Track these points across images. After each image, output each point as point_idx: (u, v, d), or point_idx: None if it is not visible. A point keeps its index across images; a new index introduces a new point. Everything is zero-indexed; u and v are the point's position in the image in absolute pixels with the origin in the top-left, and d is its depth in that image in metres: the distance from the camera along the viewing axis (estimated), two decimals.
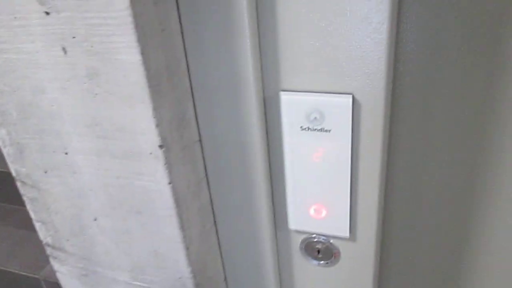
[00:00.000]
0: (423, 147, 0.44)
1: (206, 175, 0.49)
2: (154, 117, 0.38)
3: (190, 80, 0.44)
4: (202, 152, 0.48)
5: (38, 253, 1.54)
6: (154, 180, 0.42)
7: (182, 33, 0.42)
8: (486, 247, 0.47)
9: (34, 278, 1.45)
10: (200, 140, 0.47)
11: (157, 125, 0.39)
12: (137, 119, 0.39)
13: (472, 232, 0.47)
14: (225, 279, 0.58)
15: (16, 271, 1.48)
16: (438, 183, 0.46)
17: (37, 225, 0.55)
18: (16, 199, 1.78)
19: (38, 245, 1.64)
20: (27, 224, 1.70)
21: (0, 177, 1.77)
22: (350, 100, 0.40)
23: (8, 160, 0.50)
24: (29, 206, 0.54)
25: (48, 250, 0.57)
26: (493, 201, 0.44)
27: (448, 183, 0.45)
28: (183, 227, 0.45)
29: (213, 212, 0.52)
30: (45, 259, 1.57)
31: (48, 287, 1.46)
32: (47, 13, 0.37)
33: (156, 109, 0.38)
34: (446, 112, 0.41)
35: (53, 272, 1.59)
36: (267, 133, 0.45)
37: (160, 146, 0.40)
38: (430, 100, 0.41)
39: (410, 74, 0.41)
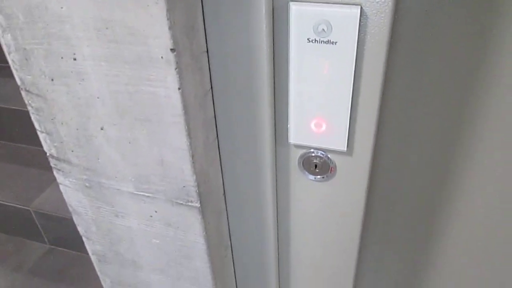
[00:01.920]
0: (420, 66, 0.46)
1: (211, 88, 0.51)
2: (168, 19, 0.39)
3: None
4: (209, 65, 0.49)
5: (28, 186, 1.55)
6: (164, 85, 0.44)
7: None
8: (473, 176, 0.51)
9: (24, 209, 1.48)
10: (207, 51, 0.48)
11: (170, 28, 0.40)
12: (151, 21, 0.40)
13: (460, 157, 0.50)
14: (224, 193, 0.61)
15: (7, 203, 1.51)
16: (432, 103, 0.48)
17: (41, 136, 0.56)
18: (4, 134, 1.77)
19: (28, 179, 1.65)
20: (17, 158, 1.71)
21: None
22: (358, 11, 0.41)
23: (13, 67, 0.51)
24: (33, 117, 0.55)
25: (52, 162, 0.59)
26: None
27: (443, 103, 0.48)
28: (189, 135, 0.47)
29: (216, 126, 0.54)
30: (35, 192, 1.59)
31: (38, 218, 1.49)
32: None
33: (170, 10, 0.39)
34: (447, 33, 0.43)
35: (43, 203, 1.62)
36: (273, 44, 0.47)
37: (172, 50, 0.41)
38: (433, 22, 0.43)
39: None
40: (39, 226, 1.53)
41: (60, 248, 1.58)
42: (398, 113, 0.50)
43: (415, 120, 0.50)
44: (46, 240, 1.59)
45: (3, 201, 1.52)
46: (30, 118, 0.55)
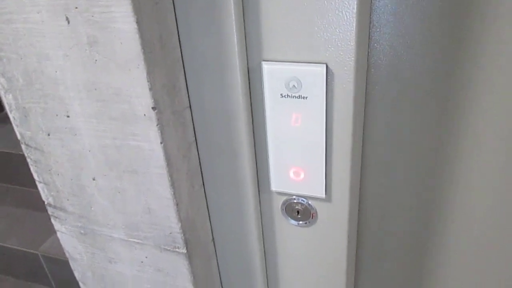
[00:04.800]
0: (395, 112, 0.49)
1: (196, 140, 0.54)
2: (148, 81, 0.43)
3: (181, 52, 0.49)
4: (192, 119, 0.53)
5: (36, 231, 1.58)
6: (148, 139, 0.47)
7: (174, 8, 0.46)
8: (453, 212, 0.52)
9: (32, 253, 1.50)
10: (190, 107, 0.52)
11: (150, 89, 0.44)
12: (133, 83, 0.44)
13: (443, 191, 0.52)
14: (213, 239, 0.63)
15: (15, 247, 1.53)
16: (409, 147, 0.50)
17: (40, 186, 0.60)
18: (13, 178, 1.82)
19: (36, 223, 1.68)
20: (24, 203, 1.75)
21: None
22: (324, 68, 0.44)
23: (14, 123, 0.55)
24: (32, 168, 0.58)
25: (50, 210, 0.62)
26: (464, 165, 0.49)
27: (418, 147, 0.50)
28: (173, 184, 0.50)
29: (202, 175, 0.57)
30: (43, 236, 1.62)
31: (46, 262, 1.51)
32: None
33: (150, 73, 0.43)
34: (414, 81, 0.46)
35: (50, 248, 1.64)
36: (250, 100, 0.50)
37: (153, 108, 0.45)
38: (400, 72, 0.46)
39: (382, 51, 0.45)
40: (46, 270, 1.55)
41: None
42: (376, 156, 0.52)
43: (394, 161, 0.52)
44: (53, 284, 1.60)
45: (11, 245, 1.55)
46: None
